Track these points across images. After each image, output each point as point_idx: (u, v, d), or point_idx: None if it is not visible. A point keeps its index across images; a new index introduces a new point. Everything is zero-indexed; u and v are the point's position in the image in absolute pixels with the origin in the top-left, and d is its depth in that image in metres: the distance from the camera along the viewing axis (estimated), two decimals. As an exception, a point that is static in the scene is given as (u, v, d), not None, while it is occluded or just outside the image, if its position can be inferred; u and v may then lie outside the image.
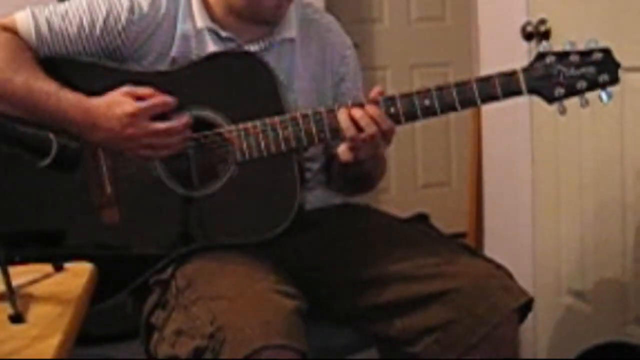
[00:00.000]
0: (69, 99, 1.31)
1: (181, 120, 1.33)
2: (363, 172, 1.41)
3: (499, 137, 2.36)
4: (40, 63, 1.38)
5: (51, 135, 1.02)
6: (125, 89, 1.32)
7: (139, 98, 1.32)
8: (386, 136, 1.31)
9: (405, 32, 3.62)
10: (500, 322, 1.28)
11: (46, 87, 1.32)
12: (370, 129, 1.29)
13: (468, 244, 1.53)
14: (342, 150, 1.34)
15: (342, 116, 1.31)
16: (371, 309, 1.36)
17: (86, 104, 1.31)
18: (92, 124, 1.31)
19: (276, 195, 1.36)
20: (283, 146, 1.33)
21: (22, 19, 1.39)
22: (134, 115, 1.30)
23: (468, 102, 1.32)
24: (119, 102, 1.31)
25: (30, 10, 1.39)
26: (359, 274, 1.37)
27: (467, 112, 2.78)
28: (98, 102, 1.32)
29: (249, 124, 1.33)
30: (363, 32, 3.49)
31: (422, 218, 1.51)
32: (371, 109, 1.30)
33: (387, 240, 1.41)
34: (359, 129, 1.29)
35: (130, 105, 1.30)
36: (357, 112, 1.30)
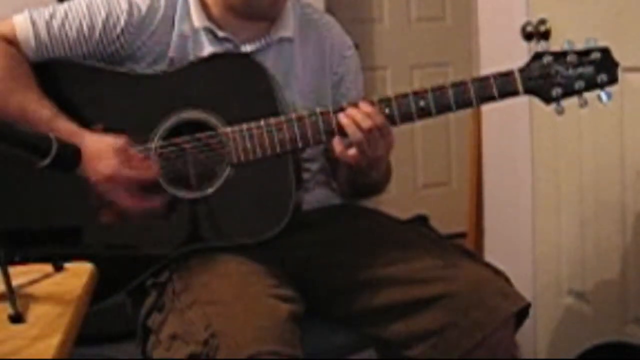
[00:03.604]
0: (61, 130, 1.28)
1: (152, 201, 1.32)
2: (366, 177, 1.39)
3: (499, 137, 2.36)
4: (39, 66, 1.38)
5: (51, 135, 1.02)
6: (119, 145, 1.30)
7: (126, 160, 1.29)
8: (382, 133, 1.30)
9: (405, 32, 3.62)
10: (497, 327, 1.27)
11: (40, 112, 1.31)
12: (365, 123, 1.28)
13: (467, 247, 1.53)
14: (340, 150, 1.31)
15: (340, 116, 1.30)
16: (368, 312, 1.35)
17: (76, 139, 1.26)
18: None
19: (272, 196, 1.36)
20: (278, 148, 1.33)
21: (21, 24, 1.38)
22: (110, 179, 1.28)
23: (464, 102, 1.32)
24: (105, 156, 1.28)
25: (29, 14, 1.39)
26: (356, 275, 1.37)
27: (467, 112, 2.78)
28: (87, 143, 1.28)
29: (244, 126, 1.33)
30: (363, 32, 3.49)
31: (422, 220, 1.51)
32: (364, 105, 1.30)
33: (385, 242, 1.40)
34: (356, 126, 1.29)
35: (111, 168, 1.28)
36: (352, 110, 1.30)
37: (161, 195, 1.34)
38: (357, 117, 1.29)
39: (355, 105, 1.31)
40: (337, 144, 1.31)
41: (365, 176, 1.39)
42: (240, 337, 1.14)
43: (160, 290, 1.33)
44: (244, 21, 1.44)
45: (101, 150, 1.29)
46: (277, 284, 1.28)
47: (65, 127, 1.31)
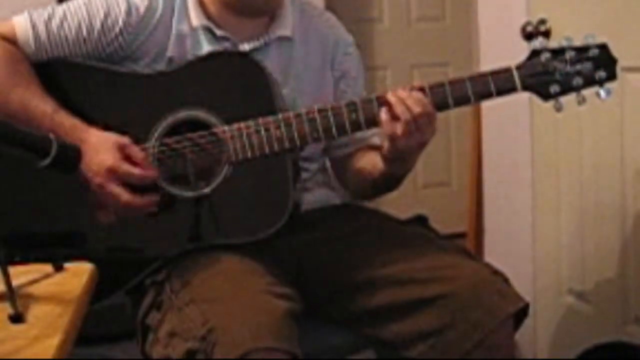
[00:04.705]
0: (63, 125, 1.30)
1: (147, 199, 1.32)
2: (405, 165, 1.38)
3: (499, 137, 2.36)
4: (39, 68, 1.38)
5: (51, 135, 1.02)
6: (121, 141, 1.31)
7: (126, 157, 1.30)
8: (431, 119, 1.29)
9: (405, 32, 3.62)
10: (495, 327, 1.27)
11: (42, 107, 1.31)
12: (416, 109, 1.27)
13: (466, 247, 1.52)
14: (383, 112, 1.29)
15: (393, 99, 1.29)
16: (367, 312, 1.36)
17: (77, 133, 1.29)
18: None
19: (270, 195, 1.36)
20: (276, 146, 1.33)
21: (21, 25, 1.38)
22: (109, 171, 1.29)
23: (462, 99, 1.32)
24: (105, 150, 1.29)
25: (29, 15, 1.39)
26: (355, 275, 1.37)
27: (467, 112, 2.78)
28: (88, 137, 1.30)
29: (242, 124, 1.33)
30: (363, 32, 3.48)
31: (421, 220, 1.51)
32: (415, 92, 1.30)
33: (384, 242, 1.40)
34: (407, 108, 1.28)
35: (111, 161, 1.29)
36: (403, 93, 1.29)
37: (158, 194, 1.33)
38: (409, 101, 1.28)
39: (405, 89, 1.30)
40: (383, 113, 1.30)
41: (405, 165, 1.37)
42: (238, 333, 1.14)
43: (159, 289, 1.33)
44: (242, 19, 1.44)
45: (103, 144, 1.30)
46: (275, 282, 1.28)
47: (68, 121, 1.31)
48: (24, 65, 1.37)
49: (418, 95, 1.29)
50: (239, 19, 1.44)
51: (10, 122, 1.27)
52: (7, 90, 1.33)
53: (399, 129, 1.28)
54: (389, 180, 1.44)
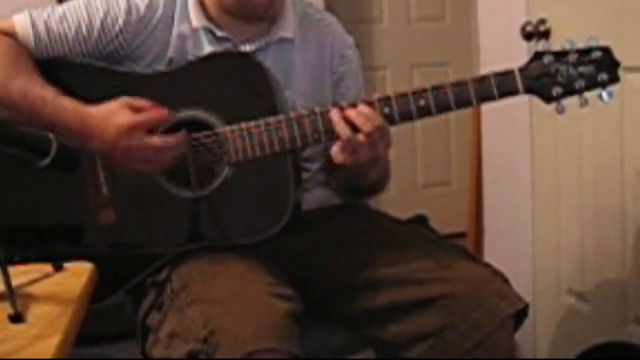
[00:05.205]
0: (65, 107, 1.29)
1: (177, 137, 1.31)
2: (365, 177, 1.38)
3: (499, 137, 2.36)
4: (39, 66, 1.38)
5: (51, 135, 1.02)
6: (124, 100, 1.30)
7: (136, 110, 1.30)
8: (382, 134, 1.27)
9: (405, 32, 3.62)
10: (495, 328, 1.27)
11: (43, 94, 1.30)
12: (366, 126, 1.26)
13: (466, 248, 1.53)
14: (335, 151, 1.28)
15: (336, 117, 1.28)
16: (367, 313, 1.35)
17: (82, 112, 1.29)
18: (87, 133, 1.28)
19: (271, 196, 1.36)
20: (277, 147, 1.33)
21: (21, 23, 1.38)
22: (130, 128, 1.28)
23: (464, 102, 1.31)
24: (115, 113, 1.28)
25: (29, 14, 1.39)
26: (355, 276, 1.37)
27: (467, 112, 2.78)
28: (95, 112, 1.29)
29: (243, 125, 1.33)
30: (363, 32, 3.48)
31: (421, 220, 1.51)
32: (363, 107, 1.28)
33: (385, 243, 1.40)
34: (355, 129, 1.27)
35: (127, 118, 1.28)
36: (351, 112, 1.28)
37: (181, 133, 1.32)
38: (358, 120, 1.26)
39: (353, 106, 1.29)
40: (336, 146, 1.29)
41: (364, 177, 1.38)
42: (239, 335, 1.15)
43: (159, 289, 1.33)
44: (242, 22, 1.44)
45: (110, 110, 1.29)
46: (275, 283, 1.28)
47: (71, 105, 1.30)
48: (25, 56, 1.37)
49: (366, 110, 1.27)
50: (239, 22, 1.44)
51: (13, 112, 1.29)
52: (9, 80, 1.32)
53: (340, 147, 1.27)
54: (361, 188, 1.45)
